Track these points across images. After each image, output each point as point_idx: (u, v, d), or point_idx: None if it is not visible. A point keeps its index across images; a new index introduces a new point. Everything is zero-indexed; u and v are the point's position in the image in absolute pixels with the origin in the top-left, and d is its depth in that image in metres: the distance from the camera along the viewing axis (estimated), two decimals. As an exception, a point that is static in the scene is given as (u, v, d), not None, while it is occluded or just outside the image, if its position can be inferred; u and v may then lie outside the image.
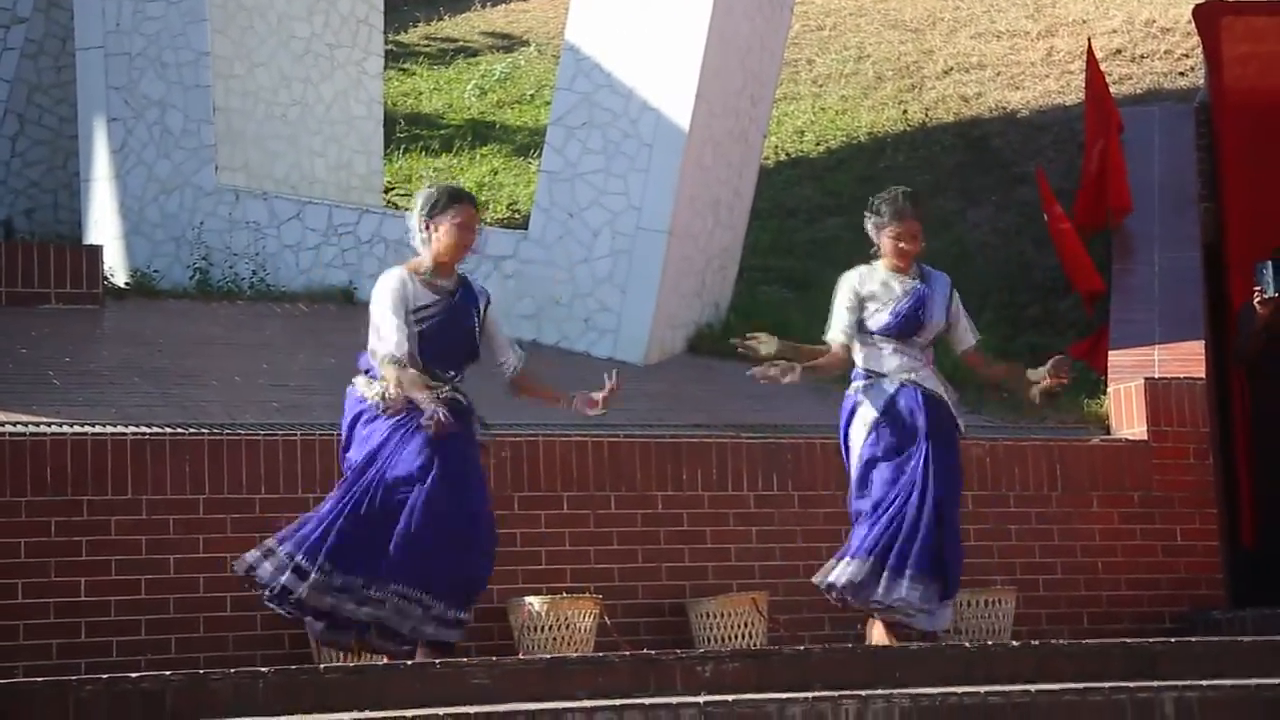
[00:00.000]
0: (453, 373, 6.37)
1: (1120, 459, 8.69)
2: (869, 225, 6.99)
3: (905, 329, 6.86)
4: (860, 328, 6.90)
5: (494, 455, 7.59)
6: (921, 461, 6.75)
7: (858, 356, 6.91)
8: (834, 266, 12.76)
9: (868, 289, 6.89)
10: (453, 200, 6.35)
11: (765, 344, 6.82)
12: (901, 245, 6.89)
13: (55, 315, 9.70)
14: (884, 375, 6.86)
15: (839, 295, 6.95)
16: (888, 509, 6.74)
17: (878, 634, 6.83)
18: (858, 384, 6.91)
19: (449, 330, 6.31)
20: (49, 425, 7.38)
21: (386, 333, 6.23)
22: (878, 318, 6.87)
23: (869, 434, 6.81)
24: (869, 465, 6.81)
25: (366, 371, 6.36)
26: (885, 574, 6.69)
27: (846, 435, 6.91)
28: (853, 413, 6.89)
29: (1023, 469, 8.49)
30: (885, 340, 6.86)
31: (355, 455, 6.28)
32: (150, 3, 11.43)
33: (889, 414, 6.79)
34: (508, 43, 16.51)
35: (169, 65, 11.37)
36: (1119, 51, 14.24)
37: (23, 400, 7.84)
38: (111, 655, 6.94)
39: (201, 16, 11.37)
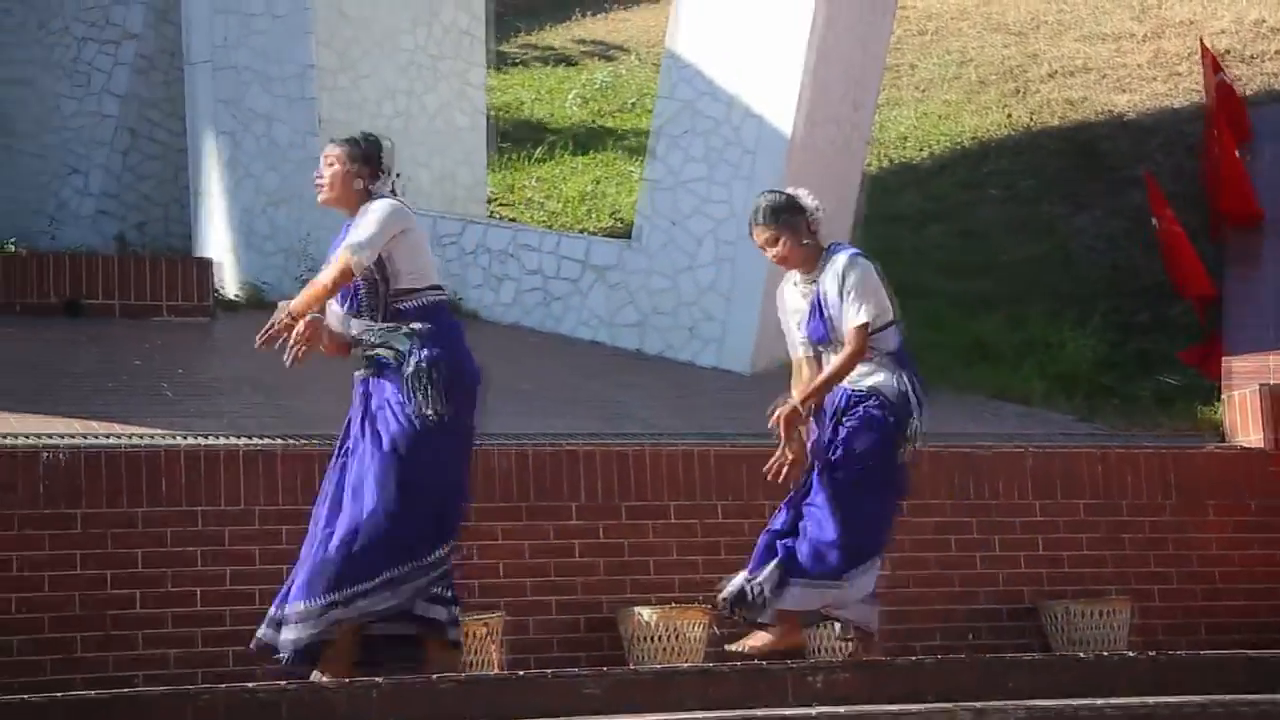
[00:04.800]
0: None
1: (1237, 467, 8.54)
2: None
3: (822, 339, 6.39)
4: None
5: (601, 466, 7.60)
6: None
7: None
8: (939, 273, 12.61)
9: (787, 306, 6.47)
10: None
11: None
12: (767, 256, 6.44)
13: (167, 327, 9.83)
14: None
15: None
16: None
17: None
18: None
19: None
20: (163, 436, 7.47)
21: None
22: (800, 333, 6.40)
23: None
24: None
25: None
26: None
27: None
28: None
29: (1135, 477, 8.37)
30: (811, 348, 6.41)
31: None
32: (256, 17, 11.56)
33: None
34: (609, 51, 16.55)
35: (275, 79, 11.49)
36: (1228, 52, 14.02)
37: (137, 412, 7.95)
38: (228, 665, 7.01)
39: (306, 30, 11.48)
